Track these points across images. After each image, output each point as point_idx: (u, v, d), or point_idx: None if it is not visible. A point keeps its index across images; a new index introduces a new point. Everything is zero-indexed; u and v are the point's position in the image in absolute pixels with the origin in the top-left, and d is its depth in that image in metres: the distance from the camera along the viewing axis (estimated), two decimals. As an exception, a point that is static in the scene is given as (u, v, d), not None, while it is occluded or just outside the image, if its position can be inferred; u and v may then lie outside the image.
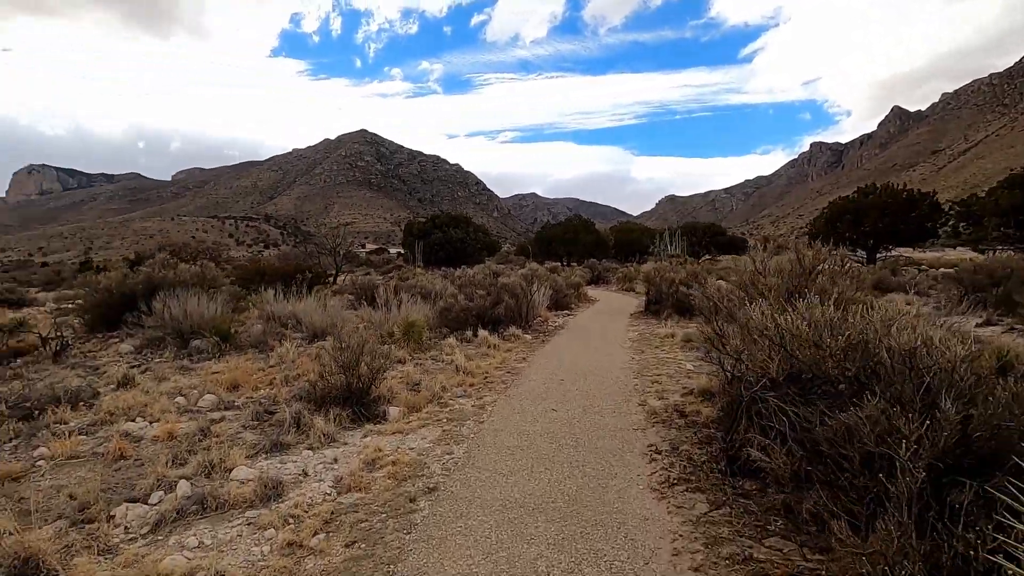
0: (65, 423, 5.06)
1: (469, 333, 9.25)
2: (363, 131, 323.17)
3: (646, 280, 13.89)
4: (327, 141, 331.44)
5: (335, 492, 3.49)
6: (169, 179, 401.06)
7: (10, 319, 13.39)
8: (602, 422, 4.69)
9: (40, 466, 4.00)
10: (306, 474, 3.78)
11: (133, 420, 5.01)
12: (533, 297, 10.84)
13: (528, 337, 9.68)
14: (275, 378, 6.75)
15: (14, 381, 7.27)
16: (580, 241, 41.01)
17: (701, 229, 49.61)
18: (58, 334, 9.48)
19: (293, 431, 4.59)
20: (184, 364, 7.95)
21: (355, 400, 5.34)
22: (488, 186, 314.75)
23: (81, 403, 5.77)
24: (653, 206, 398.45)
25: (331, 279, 24.41)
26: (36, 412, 5.22)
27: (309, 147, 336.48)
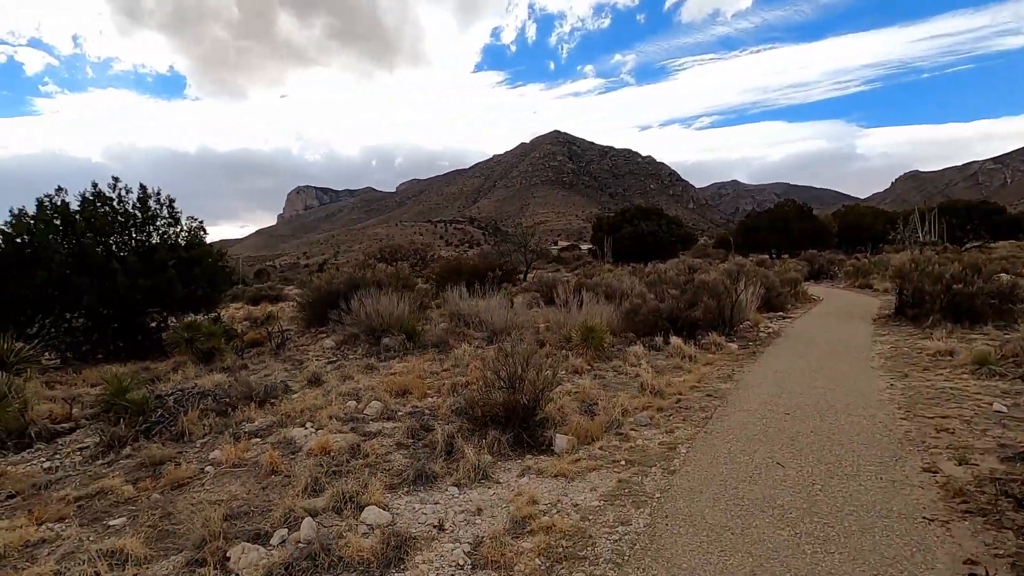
0: (250, 421, 5.19)
1: (659, 340, 7.90)
2: (555, 132, 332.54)
3: (898, 275, 10.76)
4: (523, 145, 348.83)
5: (468, 564, 2.64)
6: (394, 190, 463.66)
7: (265, 312, 15.94)
8: (864, 498, 3.06)
9: (207, 472, 3.96)
10: (442, 527, 3.02)
11: (302, 425, 4.90)
12: (739, 297, 8.97)
13: (733, 347, 7.94)
14: (444, 384, 6.34)
15: (240, 371, 8.13)
16: (794, 230, 35.40)
17: (967, 208, 39.12)
18: (281, 329, 10.64)
19: (443, 459, 3.93)
20: (370, 363, 8.09)
21: (518, 421, 4.53)
22: (682, 176, 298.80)
23: (271, 401, 6.00)
24: (888, 186, 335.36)
25: (521, 276, 24.70)
26: (231, 408, 5.49)
27: (507, 152, 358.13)
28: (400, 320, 9.60)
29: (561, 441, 4.26)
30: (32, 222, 9.73)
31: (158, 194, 10.92)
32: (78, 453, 4.55)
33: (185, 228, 11.40)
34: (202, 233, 11.68)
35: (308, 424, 4.92)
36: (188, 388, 6.01)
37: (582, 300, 9.49)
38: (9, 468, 4.22)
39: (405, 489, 3.51)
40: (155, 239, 10.81)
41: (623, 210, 34.13)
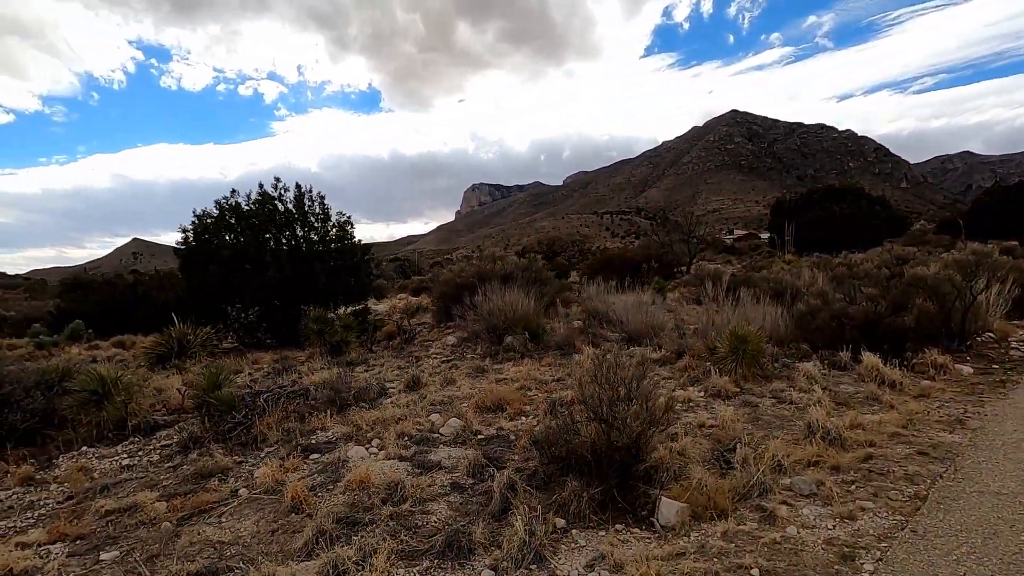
0: (323, 429, 4.73)
1: (844, 355, 5.85)
2: (732, 112, 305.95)
3: None
4: (695, 129, 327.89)
5: None
6: (561, 183, 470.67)
7: (412, 305, 16.47)
8: None
9: (240, 495, 3.47)
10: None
11: (368, 443, 4.26)
12: (975, 298, 6.34)
13: (965, 371, 5.55)
14: (547, 398, 5.29)
15: (347, 369, 8.02)
16: None
17: None
18: (410, 324, 10.52)
19: (491, 518, 2.91)
20: (483, 365, 7.37)
21: (611, 470, 3.32)
22: (892, 151, 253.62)
23: (362, 404, 5.54)
24: None
25: (682, 269, 22.40)
26: (309, 413, 5.11)
27: (677, 138, 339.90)
28: (524, 317, 8.75)
29: (668, 510, 2.95)
30: (210, 222, 10.88)
31: (309, 191, 11.55)
32: (159, 452, 4.46)
33: (335, 223, 11.95)
34: (349, 228, 12.14)
35: (375, 442, 4.27)
36: (286, 386, 5.83)
37: (739, 298, 7.65)
38: (93, 463, 4.24)
39: (424, 564, 2.57)
40: (310, 235, 11.45)
41: (809, 191, 29.12)
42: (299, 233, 11.30)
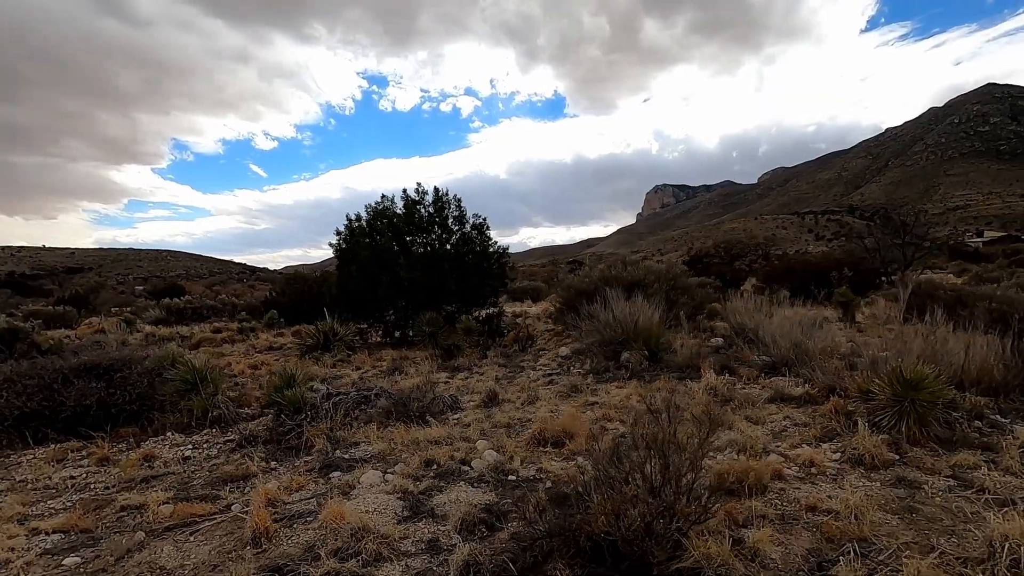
0: (363, 443, 4.43)
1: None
2: (989, 86, 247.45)
3: None
4: (932, 111, 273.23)
5: None
6: (755, 181, 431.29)
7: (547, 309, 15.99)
8: None
9: (231, 511, 3.27)
10: None
11: (389, 468, 3.82)
12: None
13: None
14: (616, 436, 4.32)
15: (461, 373, 7.76)
16: None
17: None
18: (528, 331, 10.00)
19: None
20: (583, 383, 6.53)
21: (619, 565, 2.38)
22: None
23: (431, 415, 5.18)
24: None
25: (885, 278, 18.23)
26: (366, 422, 4.87)
27: (907, 123, 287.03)
28: (645, 331, 7.63)
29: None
30: (357, 226, 11.72)
31: (446, 194, 11.76)
32: (220, 446, 4.60)
33: (470, 225, 12.01)
34: (485, 231, 12.10)
35: (397, 467, 3.81)
36: (365, 390, 5.74)
37: (937, 318, 5.59)
38: (164, 451, 4.51)
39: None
40: (444, 237, 11.69)
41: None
42: (434, 236, 11.57)
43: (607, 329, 7.87)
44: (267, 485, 3.52)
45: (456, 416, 5.23)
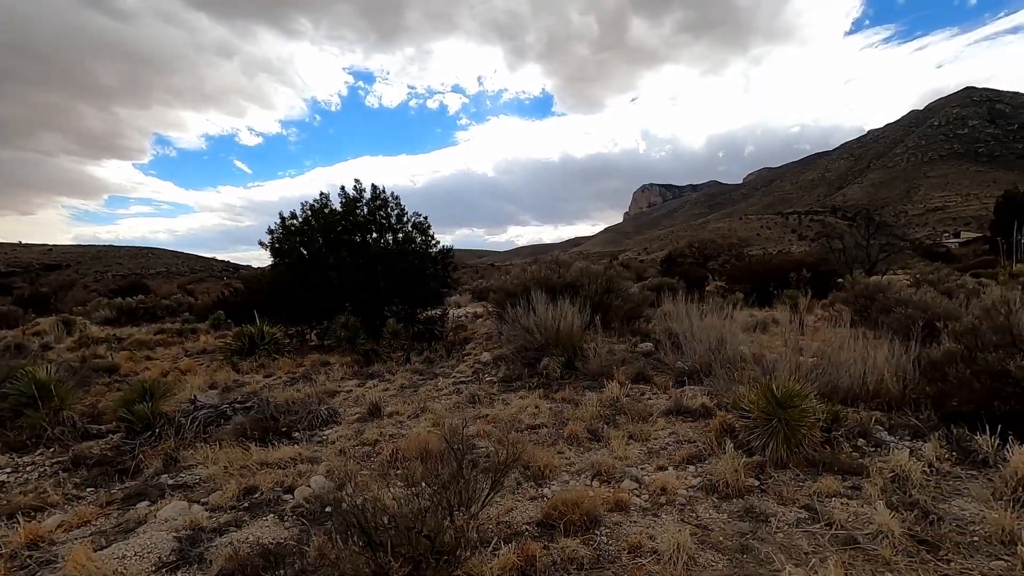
0: (191, 468, 4.01)
1: (986, 440, 3.46)
2: (968, 89, 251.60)
3: None
4: (913, 113, 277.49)
5: None
6: (740, 182, 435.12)
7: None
8: None
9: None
10: None
11: (199, 500, 3.42)
12: None
13: None
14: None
15: (371, 380, 7.35)
16: None
17: None
18: (456, 336, 9.62)
19: None
20: (487, 392, 6.18)
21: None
22: None
23: (297, 432, 4.78)
24: None
25: (840, 280, 18.09)
26: (219, 442, 4.45)
27: (888, 125, 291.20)
28: (566, 337, 7.29)
29: None
30: (290, 225, 11.25)
31: (383, 192, 11.34)
32: (48, 468, 4.16)
33: (411, 224, 11.61)
34: (428, 231, 11.70)
35: (211, 496, 3.42)
36: (237, 402, 5.32)
37: (846, 323, 5.29)
38: (-19, 473, 4.06)
39: None
40: (380, 238, 11.26)
41: (1058, 180, 21.69)
42: (371, 237, 11.15)
43: (528, 334, 7.52)
44: (46, 522, 3.10)
45: (327, 432, 4.84)
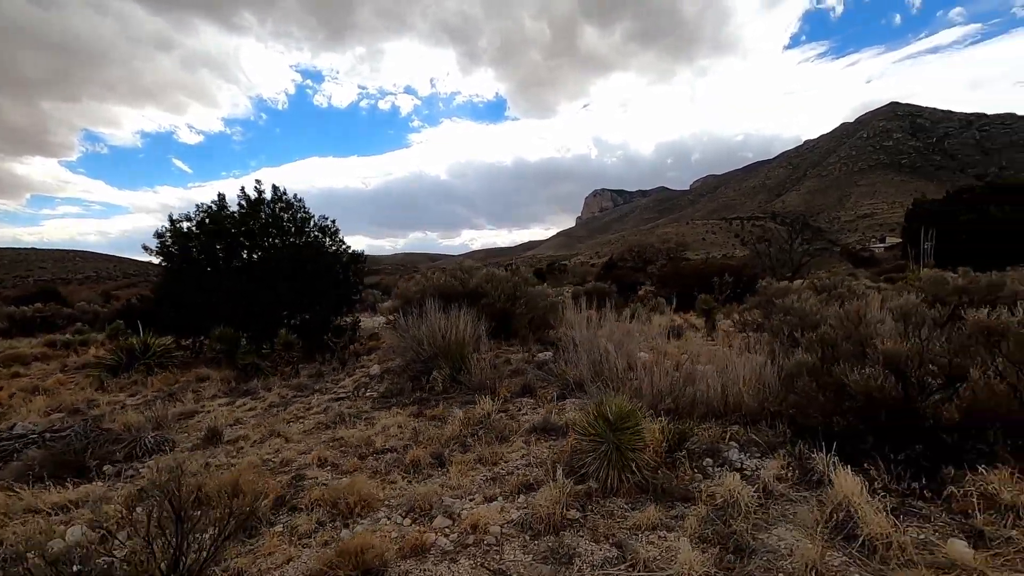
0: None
1: (823, 459, 3.31)
2: (892, 104, 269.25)
3: None
4: (844, 126, 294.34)
5: None
6: (688, 188, 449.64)
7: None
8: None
9: None
10: None
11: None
12: None
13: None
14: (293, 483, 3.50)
15: (243, 397, 6.77)
16: None
17: None
18: (355, 347, 9.13)
19: None
20: (359, 410, 5.73)
21: None
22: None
23: (109, 466, 4.20)
24: None
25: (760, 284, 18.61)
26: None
27: (822, 136, 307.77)
28: (457, 347, 6.93)
29: None
30: (180, 228, 10.45)
31: (283, 194, 10.70)
32: None
33: (317, 229, 11.00)
34: (333, 235, 11.12)
35: (-60, 553, 2.84)
36: (56, 430, 4.67)
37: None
38: None
39: None
40: (279, 243, 10.60)
41: (959, 190, 23.09)
42: (272, 241, 10.48)
43: (418, 346, 7.11)
44: None
45: (145, 465, 4.28)
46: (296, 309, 10.31)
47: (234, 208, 10.70)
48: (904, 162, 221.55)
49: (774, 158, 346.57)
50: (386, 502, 3.37)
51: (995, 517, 2.77)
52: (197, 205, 10.70)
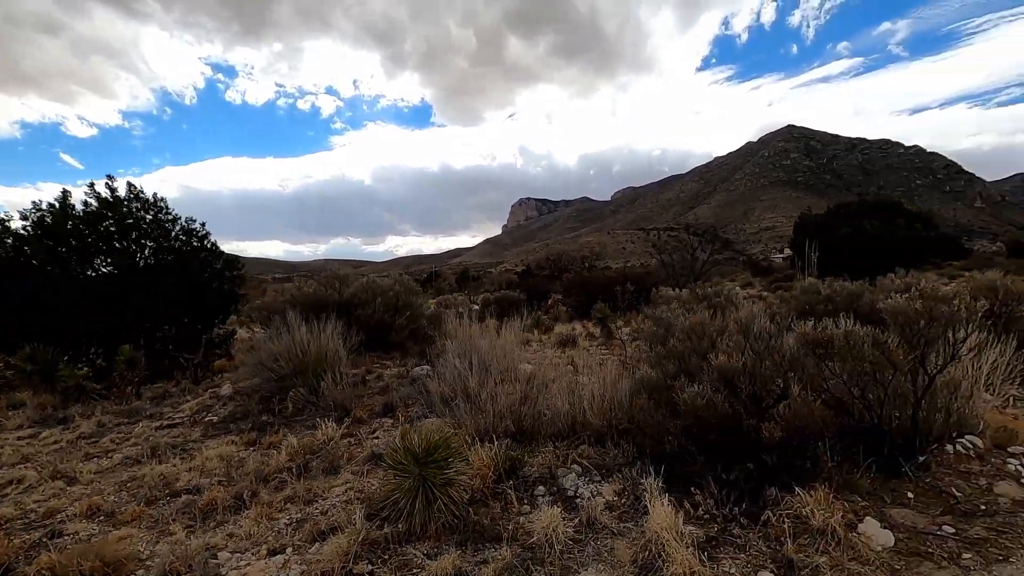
0: None
1: (652, 484, 3.09)
2: (789, 127, 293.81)
3: None
4: (749, 144, 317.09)
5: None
6: (609, 199, 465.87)
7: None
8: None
9: None
10: None
11: None
12: (934, 377, 3.35)
13: (880, 541, 2.70)
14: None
15: (53, 428, 5.78)
16: None
17: None
18: (199, 363, 8.25)
19: None
20: (185, 437, 4.99)
21: None
22: (965, 168, 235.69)
23: None
24: None
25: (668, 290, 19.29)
26: None
27: (730, 153, 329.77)
28: (317, 364, 6.31)
29: None
30: (20, 230, 9.07)
31: (140, 193, 9.56)
32: None
33: (183, 232, 9.92)
34: (202, 239, 10.08)
35: None
36: None
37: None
38: None
39: None
40: (134, 247, 9.44)
41: (837, 206, 25.18)
42: (126, 245, 9.30)
43: (273, 362, 6.42)
44: None
45: None
46: (159, 321, 9.20)
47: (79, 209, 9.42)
48: (800, 180, 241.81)
49: (687, 173, 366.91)
50: (147, 563, 2.77)
51: (807, 542, 2.63)
52: (34, 203, 9.34)
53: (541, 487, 3.36)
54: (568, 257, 36.66)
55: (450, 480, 2.88)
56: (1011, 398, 5.32)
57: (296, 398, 5.92)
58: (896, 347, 3.45)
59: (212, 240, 10.19)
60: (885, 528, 2.79)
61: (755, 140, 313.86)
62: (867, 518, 2.86)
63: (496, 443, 3.67)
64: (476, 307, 21.16)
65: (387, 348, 8.36)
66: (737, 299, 9.37)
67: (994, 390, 4.28)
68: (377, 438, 4.82)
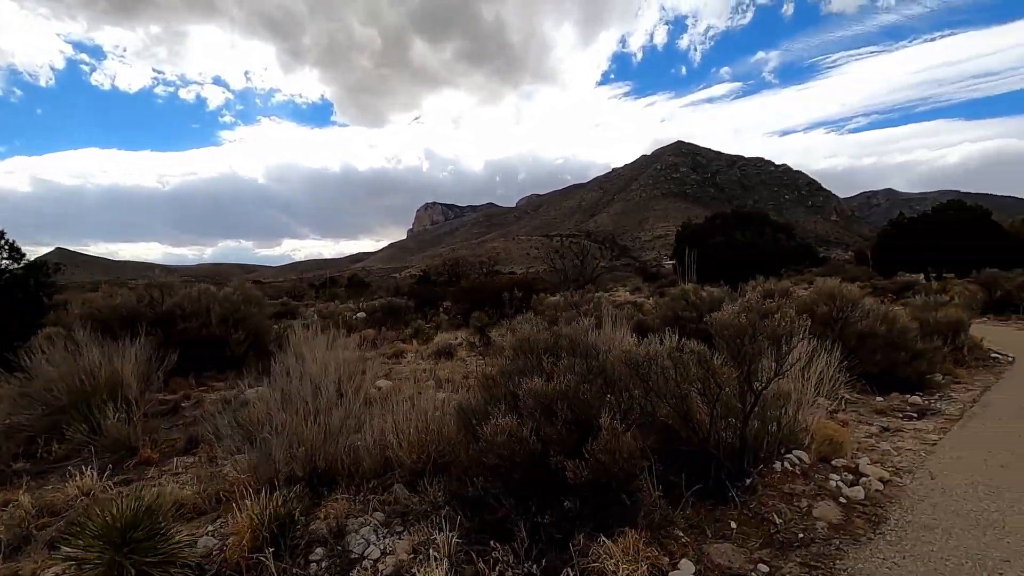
0: None
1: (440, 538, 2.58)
2: (678, 143, 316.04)
3: None
4: (643, 157, 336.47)
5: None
6: (514, 205, 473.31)
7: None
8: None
9: None
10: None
11: None
12: (759, 393, 3.21)
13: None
14: None
15: None
16: (966, 240, 25.40)
17: None
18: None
19: None
20: None
21: None
22: (824, 186, 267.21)
23: None
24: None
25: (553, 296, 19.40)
26: None
27: (627, 165, 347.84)
28: (107, 391, 5.19)
29: None
30: None
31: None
32: None
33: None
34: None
35: None
36: None
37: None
38: None
39: None
40: None
41: (713, 216, 26.98)
42: None
43: (47, 392, 5.20)
44: None
45: None
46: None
47: None
48: (688, 192, 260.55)
49: (588, 182, 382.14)
50: None
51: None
52: None
53: (320, 549, 2.71)
54: (467, 263, 36.19)
55: (171, 557, 2.16)
56: (844, 400, 5.48)
57: (75, 436, 4.81)
58: (722, 364, 3.21)
59: (8, 240, 8.47)
60: (698, 573, 2.47)
61: (649, 153, 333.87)
62: (683, 560, 2.53)
63: (279, 491, 2.98)
64: (362, 315, 19.96)
65: (224, 366, 7.28)
66: (603, 306, 9.31)
67: (827, 394, 4.25)
68: (154, 488, 3.91)
